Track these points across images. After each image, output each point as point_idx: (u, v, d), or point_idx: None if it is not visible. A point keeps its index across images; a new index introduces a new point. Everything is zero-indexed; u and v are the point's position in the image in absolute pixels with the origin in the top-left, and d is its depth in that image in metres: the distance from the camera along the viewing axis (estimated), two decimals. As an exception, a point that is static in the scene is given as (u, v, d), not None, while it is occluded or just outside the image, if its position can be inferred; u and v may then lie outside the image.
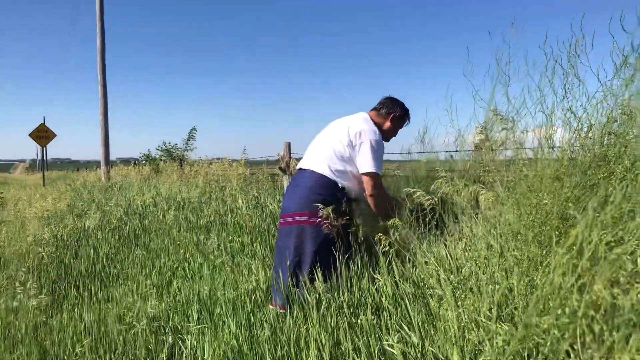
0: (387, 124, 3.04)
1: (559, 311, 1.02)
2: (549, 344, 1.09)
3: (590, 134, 1.60)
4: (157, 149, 14.62)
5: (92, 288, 4.04)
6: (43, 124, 20.11)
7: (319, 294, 2.35)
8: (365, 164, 2.78)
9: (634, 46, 1.43)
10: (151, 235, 5.59)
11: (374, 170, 2.77)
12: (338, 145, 2.85)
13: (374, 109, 3.11)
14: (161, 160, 13.69)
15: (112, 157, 15.53)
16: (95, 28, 14.47)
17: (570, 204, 1.35)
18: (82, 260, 4.98)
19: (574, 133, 1.63)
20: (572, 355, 1.12)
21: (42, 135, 20.00)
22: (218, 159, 10.14)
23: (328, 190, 2.76)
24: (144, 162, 15.36)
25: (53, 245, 5.58)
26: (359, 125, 2.87)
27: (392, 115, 3.04)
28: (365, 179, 2.81)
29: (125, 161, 19.15)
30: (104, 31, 14.56)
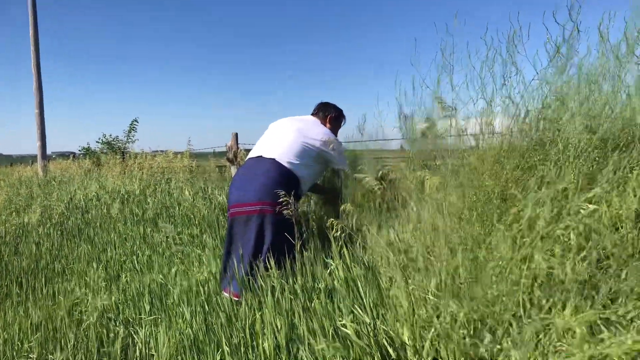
0: (328, 126, 3.29)
1: (502, 282, 1.11)
2: (494, 312, 1.18)
3: (527, 120, 1.72)
4: (97, 142, 14.15)
5: (36, 284, 3.93)
6: (-28, 117, 19.08)
7: (274, 279, 2.40)
8: (340, 163, 3.15)
9: (565, 37, 1.55)
10: (96, 229, 5.46)
11: (346, 168, 3.22)
12: (304, 140, 3.00)
13: (313, 114, 3.37)
14: (102, 153, 13.28)
15: (48, 151, 14.94)
16: (28, 16, 13.84)
17: (510, 185, 1.46)
18: (24, 257, 4.82)
19: (512, 119, 1.74)
20: (514, 325, 1.22)
21: (-29, 129, 18.99)
22: (162, 151, 9.96)
23: (288, 180, 2.84)
24: (82, 155, 14.86)
25: (-11, 242, 5.38)
26: (321, 128, 3.15)
27: (329, 117, 3.33)
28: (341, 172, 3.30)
29: (63, 155, 18.40)
30: (36, 19, 13.93)
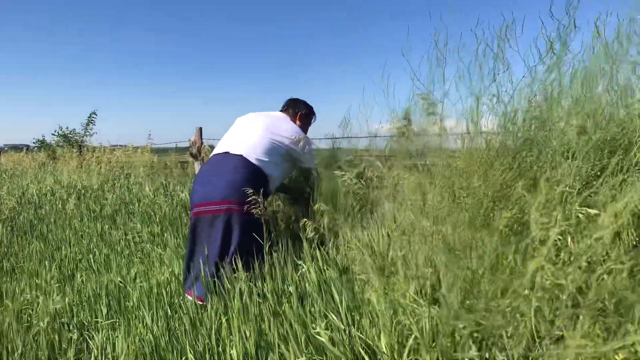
0: (298, 123, 3.16)
1: (508, 293, 1.02)
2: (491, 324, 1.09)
3: (516, 119, 1.64)
4: (53, 135, 13.64)
5: (-18, 285, 3.67)
6: None
7: (242, 282, 2.27)
8: (308, 162, 3.06)
9: (560, 34, 1.47)
10: (49, 226, 5.20)
11: (314, 167, 3.16)
12: (272, 137, 2.86)
13: (282, 110, 3.23)
14: (58, 146, 12.81)
15: (-1, 143, 14.37)
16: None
17: (504, 187, 1.37)
18: (-31, 254, 4.53)
19: (501, 118, 1.66)
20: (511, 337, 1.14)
21: None
22: (121, 146, 9.66)
23: (257, 178, 2.70)
24: (36, 148, 14.33)
25: None
26: (291, 125, 3.02)
27: (299, 114, 3.20)
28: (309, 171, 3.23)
29: (16, 148, 17.68)
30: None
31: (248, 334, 2.00)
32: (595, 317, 0.93)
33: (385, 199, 2.29)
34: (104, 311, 2.80)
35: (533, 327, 1.00)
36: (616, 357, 0.82)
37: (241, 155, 2.75)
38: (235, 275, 2.34)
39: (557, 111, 1.48)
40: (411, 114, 2.03)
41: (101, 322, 2.65)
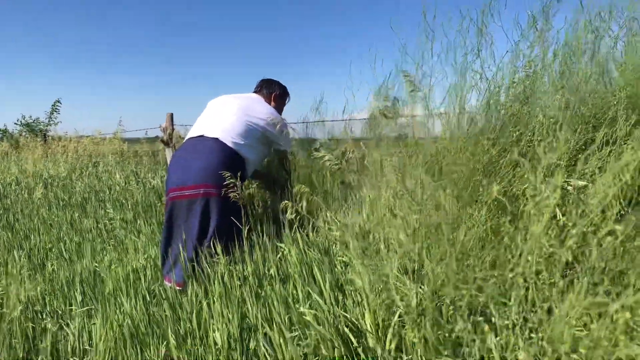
0: (272, 104, 3.12)
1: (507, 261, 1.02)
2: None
3: (498, 95, 1.64)
4: (15, 124, 13.26)
5: (-54, 276, 3.54)
6: None
7: (222, 265, 2.24)
8: (285, 144, 3.03)
9: (544, 9, 1.48)
10: (16, 215, 5.05)
11: (290, 150, 3.16)
12: (248, 119, 2.81)
13: (256, 91, 3.18)
14: (20, 135, 12.45)
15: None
16: None
17: (491, 161, 1.38)
18: None
19: (484, 94, 1.66)
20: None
21: None
22: (88, 136, 9.47)
23: (233, 161, 2.65)
24: (-1, 138, 13.90)
25: None
26: (266, 106, 2.97)
27: (273, 95, 3.16)
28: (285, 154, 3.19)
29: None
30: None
31: (231, 317, 1.98)
32: (592, 283, 0.94)
33: (366, 178, 2.28)
34: (79, 299, 2.73)
35: (534, 294, 1.01)
36: (624, 315, 0.83)
37: (217, 139, 2.70)
38: (215, 259, 2.31)
39: (540, 86, 1.50)
40: (394, 90, 2.02)
41: (76, 309, 2.59)
